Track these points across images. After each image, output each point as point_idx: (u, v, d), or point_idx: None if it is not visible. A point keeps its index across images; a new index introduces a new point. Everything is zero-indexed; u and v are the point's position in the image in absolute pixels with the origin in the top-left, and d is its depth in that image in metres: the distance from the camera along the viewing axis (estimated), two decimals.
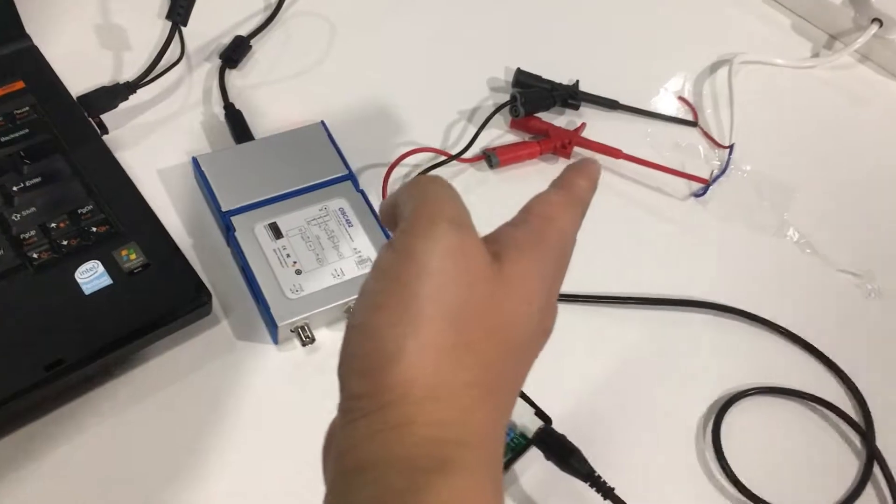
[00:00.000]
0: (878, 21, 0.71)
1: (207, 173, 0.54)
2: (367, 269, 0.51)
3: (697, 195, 0.63)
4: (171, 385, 0.48)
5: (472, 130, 0.62)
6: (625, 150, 0.62)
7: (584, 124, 0.64)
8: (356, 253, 0.52)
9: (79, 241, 0.49)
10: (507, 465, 0.48)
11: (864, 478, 0.51)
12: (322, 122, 0.58)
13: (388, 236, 0.53)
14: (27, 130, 0.53)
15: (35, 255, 0.48)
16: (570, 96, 0.64)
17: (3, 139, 0.52)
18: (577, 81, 0.65)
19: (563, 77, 0.66)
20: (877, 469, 0.52)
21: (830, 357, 0.56)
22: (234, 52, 0.62)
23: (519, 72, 0.65)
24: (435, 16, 0.70)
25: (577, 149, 0.62)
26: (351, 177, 0.55)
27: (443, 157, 0.60)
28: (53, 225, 0.49)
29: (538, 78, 0.65)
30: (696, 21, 0.75)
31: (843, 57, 0.73)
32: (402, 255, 0.28)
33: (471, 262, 0.29)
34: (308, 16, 0.68)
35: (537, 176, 0.61)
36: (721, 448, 0.51)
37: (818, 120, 0.70)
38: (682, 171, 0.63)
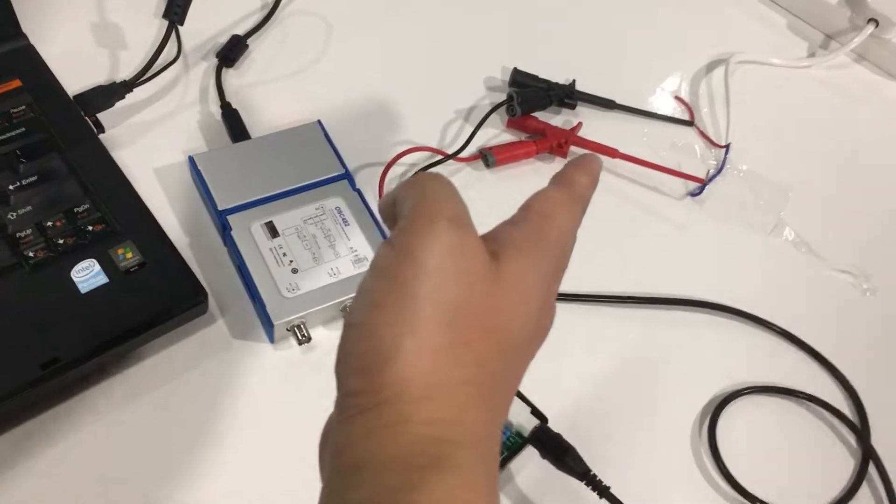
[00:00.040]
0: (874, 21, 0.72)
1: (204, 172, 0.54)
2: (363, 268, 0.51)
3: (694, 195, 0.63)
4: (168, 384, 0.48)
5: (469, 130, 0.62)
6: (621, 150, 0.62)
7: (580, 124, 0.64)
8: (352, 252, 0.52)
9: (75, 240, 0.49)
10: (503, 463, 0.48)
11: (859, 476, 0.52)
12: (318, 122, 0.58)
13: (384, 235, 0.53)
14: (23, 129, 0.53)
15: (31, 254, 0.48)
16: (567, 96, 0.64)
17: None
18: (574, 81, 0.65)
19: (559, 77, 0.66)
20: (872, 468, 0.52)
21: (826, 356, 0.56)
22: (231, 52, 0.62)
23: (516, 71, 0.65)
24: (431, 15, 0.70)
25: (573, 148, 0.62)
26: (347, 176, 0.55)
27: (439, 157, 0.60)
28: (49, 224, 0.49)
29: (535, 77, 0.65)
30: (692, 21, 0.75)
31: (840, 57, 0.73)
32: (401, 253, 0.28)
33: (469, 261, 0.28)
34: (305, 15, 0.68)
35: (534, 175, 0.61)
36: (717, 446, 0.51)
37: (814, 120, 0.70)
38: (678, 171, 0.63)
